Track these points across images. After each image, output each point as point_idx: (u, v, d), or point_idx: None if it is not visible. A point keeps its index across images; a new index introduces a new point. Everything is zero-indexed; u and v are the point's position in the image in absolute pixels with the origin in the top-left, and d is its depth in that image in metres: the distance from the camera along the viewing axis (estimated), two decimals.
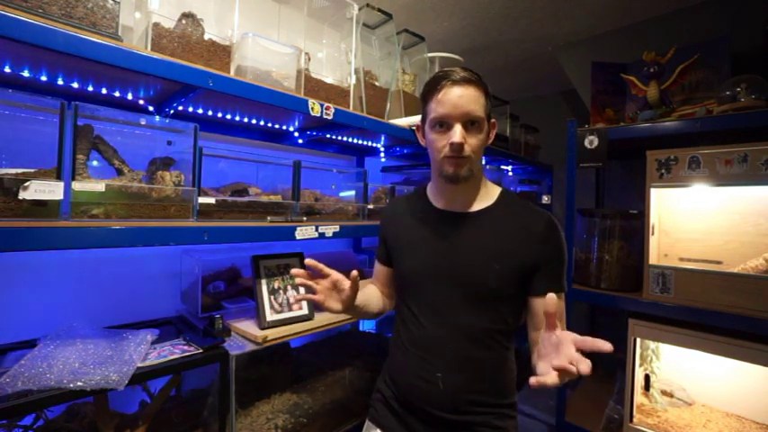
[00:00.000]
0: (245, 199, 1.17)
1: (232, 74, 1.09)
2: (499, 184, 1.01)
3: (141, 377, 0.88)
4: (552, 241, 0.88)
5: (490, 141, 0.95)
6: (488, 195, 0.96)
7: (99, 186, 0.84)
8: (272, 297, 1.24)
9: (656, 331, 1.46)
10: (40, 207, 0.75)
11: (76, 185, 0.81)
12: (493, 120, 0.95)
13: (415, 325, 0.94)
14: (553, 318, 0.68)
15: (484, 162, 2.44)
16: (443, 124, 0.87)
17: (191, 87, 0.97)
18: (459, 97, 0.84)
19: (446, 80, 0.86)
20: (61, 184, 0.77)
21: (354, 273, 0.86)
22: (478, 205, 0.95)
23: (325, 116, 1.21)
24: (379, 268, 1.11)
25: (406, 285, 0.99)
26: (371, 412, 1.05)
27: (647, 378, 1.60)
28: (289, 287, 1.29)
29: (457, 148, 0.85)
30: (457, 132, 0.85)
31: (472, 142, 0.87)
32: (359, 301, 0.96)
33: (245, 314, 1.31)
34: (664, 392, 1.61)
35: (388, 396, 0.99)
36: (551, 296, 0.67)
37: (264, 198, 1.23)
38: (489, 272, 0.87)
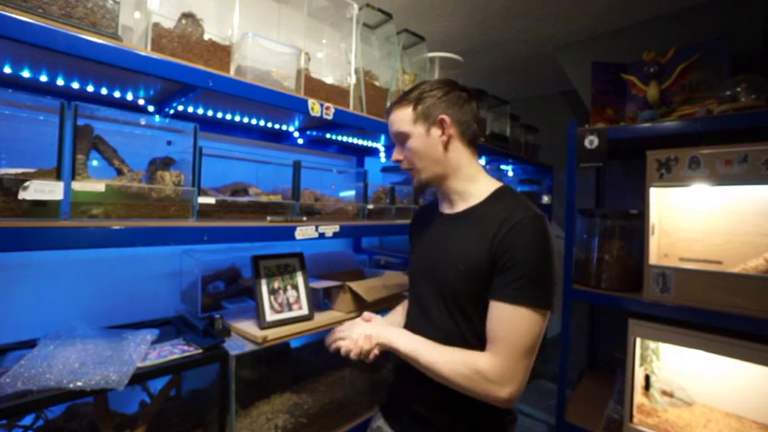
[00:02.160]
0: (245, 199, 1.17)
1: (232, 74, 1.09)
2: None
3: (141, 377, 0.88)
4: (518, 239, 0.79)
5: (447, 136, 0.90)
6: (478, 194, 0.93)
7: (99, 186, 0.84)
8: (272, 297, 1.24)
9: (656, 331, 1.46)
10: (40, 207, 0.75)
11: (76, 185, 0.81)
12: (441, 116, 0.90)
13: (410, 321, 1.01)
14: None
15: (484, 162, 2.43)
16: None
17: (191, 87, 0.97)
18: (390, 124, 0.98)
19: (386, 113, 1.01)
20: (61, 184, 0.77)
21: None
22: (464, 206, 0.95)
23: (324, 116, 1.21)
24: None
25: (409, 286, 1.08)
26: (380, 399, 1.12)
27: (647, 378, 1.60)
28: (288, 287, 1.29)
29: (398, 164, 0.98)
30: (394, 152, 0.99)
31: (408, 156, 0.96)
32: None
33: (245, 314, 1.31)
34: (664, 392, 1.61)
35: (390, 387, 1.07)
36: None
37: (264, 198, 1.23)
38: (455, 273, 0.87)
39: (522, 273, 0.78)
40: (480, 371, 0.77)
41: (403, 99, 0.95)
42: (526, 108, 3.00)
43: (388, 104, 0.98)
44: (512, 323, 0.78)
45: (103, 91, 1.08)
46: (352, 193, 1.64)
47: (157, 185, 0.96)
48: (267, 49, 1.16)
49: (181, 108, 1.22)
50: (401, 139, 0.95)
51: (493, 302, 0.81)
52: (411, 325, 0.99)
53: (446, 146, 0.91)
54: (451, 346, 0.85)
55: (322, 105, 1.20)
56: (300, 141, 1.70)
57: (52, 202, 0.76)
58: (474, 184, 0.94)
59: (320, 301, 1.43)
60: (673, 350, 1.62)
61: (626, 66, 1.85)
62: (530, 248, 0.79)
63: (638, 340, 1.52)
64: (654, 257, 1.52)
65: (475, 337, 0.86)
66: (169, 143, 1.08)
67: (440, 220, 0.99)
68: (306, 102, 1.17)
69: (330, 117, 1.22)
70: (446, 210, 1.00)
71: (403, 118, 0.93)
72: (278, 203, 1.24)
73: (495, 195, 0.91)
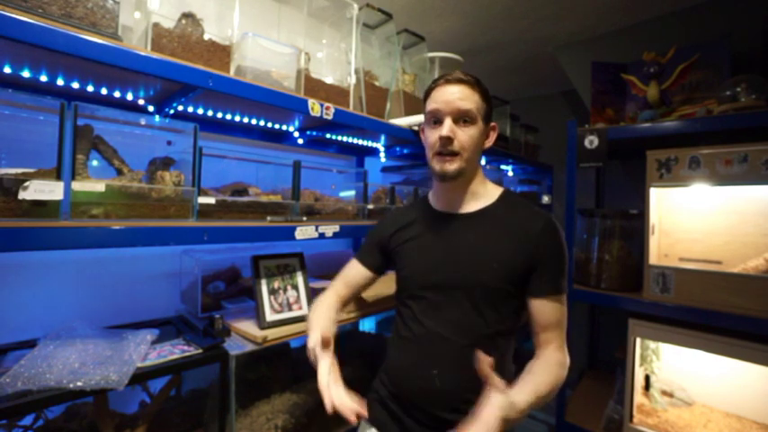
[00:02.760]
0: (245, 199, 1.17)
1: (232, 74, 1.09)
2: (500, 185, 1.03)
3: (141, 377, 0.88)
4: (550, 242, 0.89)
5: (490, 144, 0.98)
6: (488, 195, 0.98)
7: (99, 186, 0.84)
8: (272, 297, 1.24)
9: (656, 331, 1.46)
10: (40, 207, 0.75)
11: (76, 185, 0.81)
12: (493, 123, 0.98)
13: (415, 323, 0.95)
14: (491, 378, 0.71)
15: (484, 162, 2.43)
16: (436, 120, 0.93)
17: (191, 87, 0.97)
18: (451, 93, 0.90)
19: (441, 79, 0.93)
20: (61, 184, 0.77)
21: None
22: (477, 205, 0.97)
23: (324, 116, 1.21)
24: (358, 271, 1.10)
25: (407, 286, 1.00)
26: (372, 414, 1.04)
27: (647, 378, 1.60)
28: (288, 287, 1.29)
29: (445, 141, 0.89)
30: (446, 126, 0.90)
31: (463, 138, 0.90)
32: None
33: (244, 314, 1.31)
34: (664, 392, 1.61)
35: (384, 395, 1.00)
36: (484, 357, 0.71)
37: (264, 198, 1.23)
38: (489, 272, 0.89)
39: (559, 270, 0.90)
40: (565, 366, 0.87)
41: (473, 82, 0.91)
42: (526, 108, 2.99)
43: (451, 75, 0.92)
44: (560, 314, 0.90)
45: (103, 91, 1.08)
46: (352, 193, 1.64)
47: (157, 185, 0.96)
48: (267, 49, 1.16)
49: (181, 108, 1.22)
50: (460, 116, 0.90)
51: (540, 300, 0.89)
52: (414, 324, 0.95)
53: (483, 148, 0.97)
54: (470, 338, 0.88)
55: (322, 105, 1.20)
56: (300, 141, 1.70)
57: (52, 202, 0.76)
58: (484, 186, 1.00)
59: None
60: (673, 350, 1.62)
61: (626, 66, 1.85)
62: (560, 248, 0.90)
63: (638, 340, 1.53)
64: (654, 257, 1.52)
65: (502, 336, 0.91)
66: (169, 143, 1.08)
67: (447, 219, 0.98)
68: (306, 102, 1.17)
69: (330, 117, 1.22)
70: (451, 209, 0.99)
71: (475, 101, 0.90)
72: (278, 203, 1.24)
73: (504, 198, 0.98)
